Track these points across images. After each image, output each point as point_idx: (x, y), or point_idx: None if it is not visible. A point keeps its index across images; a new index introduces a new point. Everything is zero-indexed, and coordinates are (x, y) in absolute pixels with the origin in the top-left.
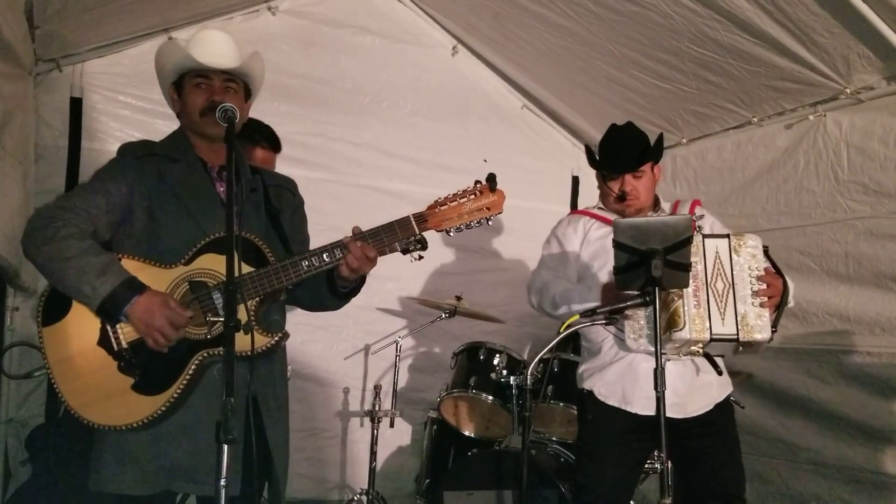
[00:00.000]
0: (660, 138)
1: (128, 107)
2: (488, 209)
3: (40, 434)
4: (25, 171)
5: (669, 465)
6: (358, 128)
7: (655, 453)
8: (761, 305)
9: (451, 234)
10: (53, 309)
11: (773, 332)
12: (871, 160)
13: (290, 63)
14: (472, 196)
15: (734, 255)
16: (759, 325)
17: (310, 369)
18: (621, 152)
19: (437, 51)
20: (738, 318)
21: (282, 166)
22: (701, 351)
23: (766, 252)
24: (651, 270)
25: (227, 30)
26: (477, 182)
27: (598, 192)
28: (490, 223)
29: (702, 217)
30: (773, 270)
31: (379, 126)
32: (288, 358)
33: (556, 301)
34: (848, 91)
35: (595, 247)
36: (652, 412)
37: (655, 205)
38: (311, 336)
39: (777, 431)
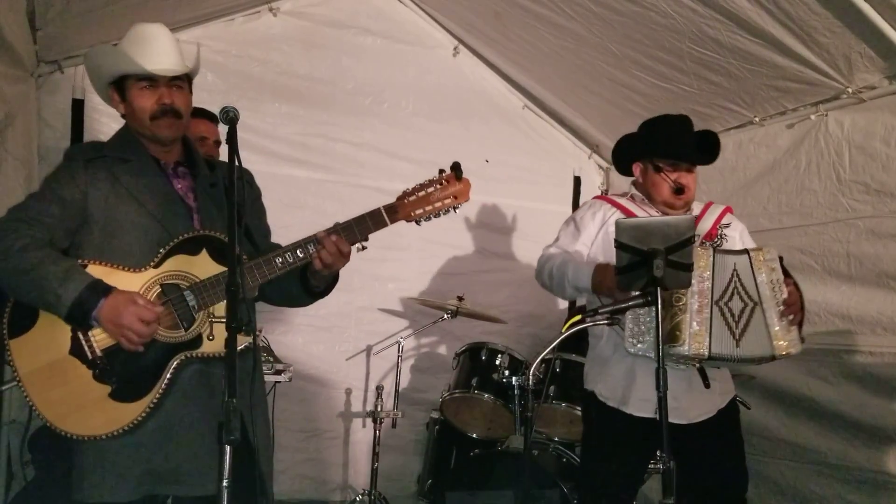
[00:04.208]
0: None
1: None
2: (455, 198)
3: (43, 436)
4: (28, 172)
5: (673, 464)
6: (359, 128)
7: (658, 453)
8: (790, 322)
9: (421, 223)
10: (19, 320)
11: (801, 342)
12: (873, 160)
13: (292, 64)
14: (439, 185)
15: (756, 273)
16: (791, 340)
17: (312, 370)
18: (691, 143)
19: (438, 51)
20: (770, 335)
21: (283, 167)
22: (697, 365)
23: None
24: (653, 270)
25: (228, 31)
26: (441, 171)
27: (599, 190)
28: (457, 212)
29: (728, 225)
30: (791, 281)
31: (380, 126)
32: (290, 359)
33: (552, 272)
34: (850, 90)
35: (610, 238)
36: (648, 414)
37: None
38: (313, 337)
39: (779, 431)
